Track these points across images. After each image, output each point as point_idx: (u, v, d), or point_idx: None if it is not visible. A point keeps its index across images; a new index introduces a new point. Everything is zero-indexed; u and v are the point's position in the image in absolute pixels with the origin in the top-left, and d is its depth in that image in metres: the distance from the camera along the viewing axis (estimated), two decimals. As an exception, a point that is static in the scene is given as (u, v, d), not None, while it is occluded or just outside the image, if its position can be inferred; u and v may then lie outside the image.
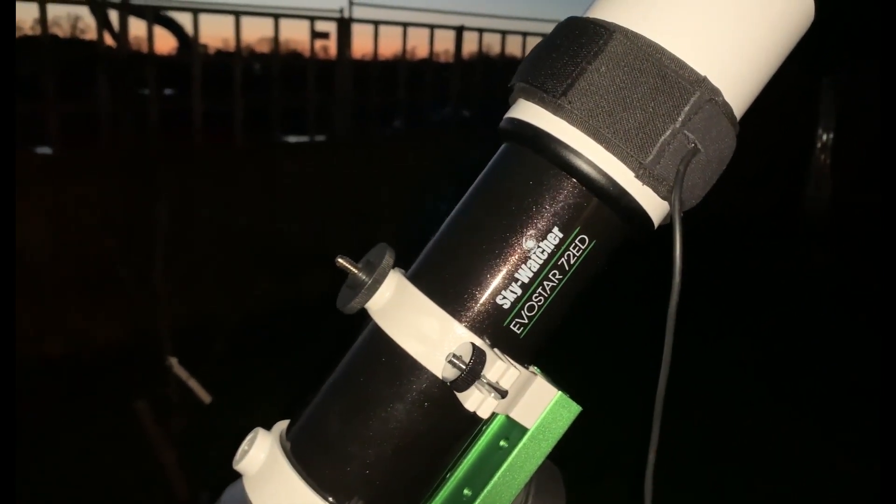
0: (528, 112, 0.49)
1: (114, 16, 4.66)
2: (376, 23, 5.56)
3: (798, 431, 3.36)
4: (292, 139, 5.79)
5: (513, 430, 0.56)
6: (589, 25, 0.48)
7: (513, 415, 0.52)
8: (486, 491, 0.55)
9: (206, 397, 2.77)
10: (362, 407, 0.49)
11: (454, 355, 0.46)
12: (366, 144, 5.74)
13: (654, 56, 0.45)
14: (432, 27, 5.87)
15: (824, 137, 6.30)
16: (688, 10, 0.47)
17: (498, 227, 0.48)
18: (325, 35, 5.58)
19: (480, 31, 6.24)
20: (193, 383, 2.74)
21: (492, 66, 6.59)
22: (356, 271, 0.50)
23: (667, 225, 0.52)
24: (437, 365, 0.47)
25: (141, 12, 4.76)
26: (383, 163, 5.32)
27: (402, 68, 5.87)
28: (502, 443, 0.56)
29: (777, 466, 3.08)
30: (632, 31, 0.46)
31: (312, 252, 4.73)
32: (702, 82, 0.45)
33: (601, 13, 0.49)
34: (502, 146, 0.52)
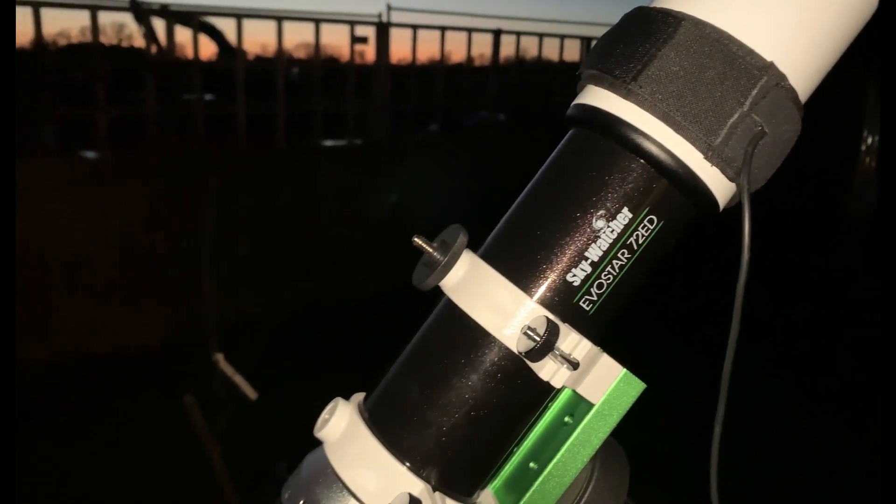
0: (597, 97, 0.51)
1: (158, 23, 4.79)
2: (414, 27, 5.61)
3: (820, 432, 3.31)
4: (331, 143, 5.86)
5: (578, 407, 0.58)
6: (657, 14, 0.50)
7: (580, 390, 0.54)
8: (552, 464, 0.56)
9: (251, 393, 2.83)
10: (439, 377, 0.52)
11: (529, 327, 0.48)
12: (403, 148, 5.79)
13: (722, 42, 0.47)
14: (469, 31, 5.91)
15: (869, 140, 6.18)
16: None
17: (569, 207, 0.50)
18: (363, 40, 5.66)
19: (518, 34, 6.26)
20: (239, 379, 2.79)
21: (528, 70, 6.60)
22: (431, 250, 0.53)
23: (731, 208, 0.53)
24: (511, 338, 0.49)
25: (184, 19, 4.87)
26: (420, 166, 5.37)
27: (440, 72, 5.92)
28: (567, 419, 0.58)
29: (805, 471, 3.04)
30: (699, 19, 0.48)
31: (352, 253, 4.81)
32: (768, 67, 0.47)
33: (668, 3, 0.51)
34: (570, 132, 0.54)
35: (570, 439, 0.56)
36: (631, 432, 0.59)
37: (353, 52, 5.45)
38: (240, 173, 4.54)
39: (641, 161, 0.49)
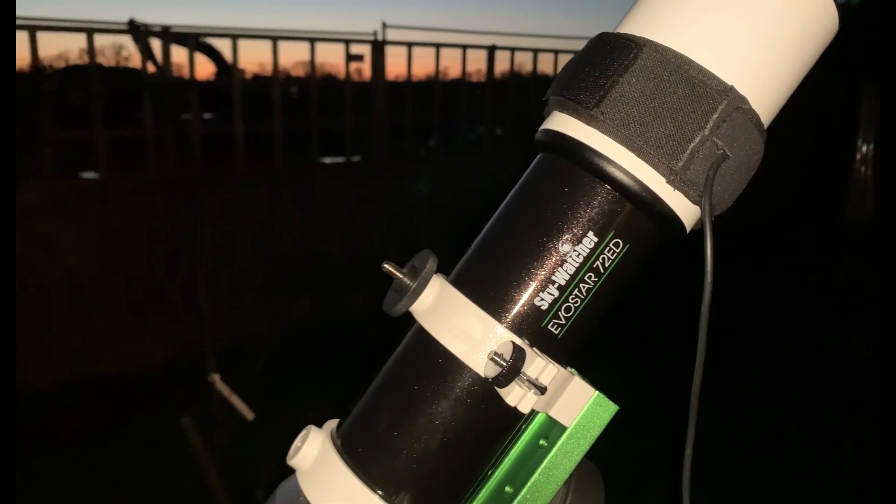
0: (562, 123, 0.52)
1: (156, 44, 4.82)
2: (409, 44, 5.64)
3: (818, 443, 3.29)
4: (330, 160, 5.88)
5: (552, 430, 0.58)
6: (620, 40, 0.50)
7: (552, 413, 0.54)
8: (526, 488, 0.57)
9: (248, 414, 2.82)
10: (409, 404, 0.52)
11: (496, 353, 0.48)
12: (402, 164, 5.81)
13: (683, 67, 0.48)
14: (464, 47, 5.94)
15: (864, 149, 6.19)
16: (714, 23, 0.49)
17: (535, 232, 0.51)
18: (359, 57, 5.69)
19: (512, 49, 6.29)
20: (236, 399, 2.79)
21: (524, 85, 6.62)
22: (401, 276, 0.53)
23: (699, 230, 0.54)
24: (479, 363, 0.50)
25: (182, 40, 4.91)
26: (416, 182, 5.38)
27: (436, 89, 5.94)
28: (542, 442, 0.59)
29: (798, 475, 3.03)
30: (661, 45, 0.49)
31: (351, 271, 4.81)
32: (729, 91, 0.48)
33: (631, 28, 0.52)
34: (538, 156, 0.55)
35: (543, 462, 0.56)
36: (621, 450, 0.59)
37: (348, 69, 5.48)
38: (239, 192, 4.56)
39: (606, 186, 0.50)
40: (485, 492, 0.59)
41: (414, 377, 0.53)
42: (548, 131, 0.53)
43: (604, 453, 0.58)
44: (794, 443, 3.28)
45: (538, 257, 0.50)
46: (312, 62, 5.16)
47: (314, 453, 0.54)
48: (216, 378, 2.79)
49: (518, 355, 0.47)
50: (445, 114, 6.07)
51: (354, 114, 5.53)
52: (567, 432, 0.56)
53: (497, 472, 0.59)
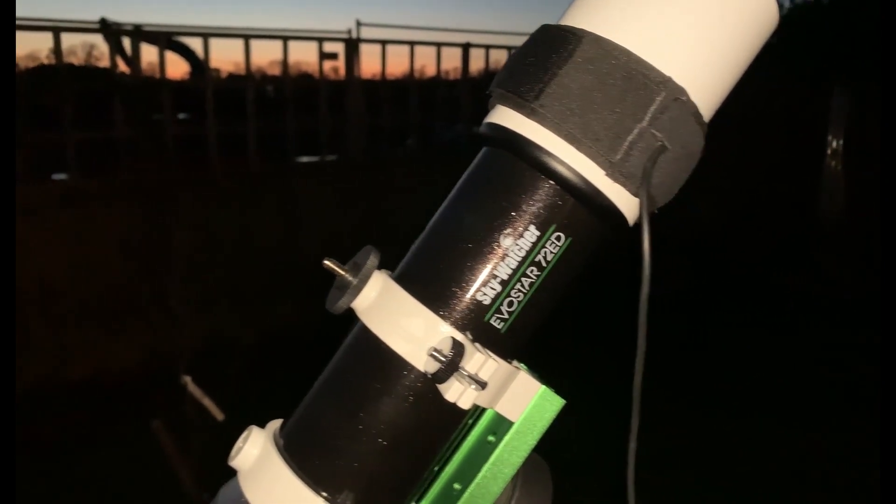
0: (504, 117, 0.51)
1: (127, 43, 4.76)
2: (384, 42, 5.63)
3: (795, 438, 3.32)
4: (305, 160, 5.85)
5: (500, 425, 0.57)
6: (559, 32, 0.50)
7: (498, 409, 0.54)
8: (473, 484, 0.56)
9: (219, 415, 2.80)
10: (351, 402, 0.51)
11: (435, 349, 0.48)
12: (378, 164, 5.79)
13: (621, 59, 0.48)
14: (439, 45, 5.93)
15: (834, 144, 6.27)
16: (653, 15, 0.49)
17: (477, 226, 0.50)
18: (333, 56, 5.66)
19: (487, 47, 6.29)
20: (207, 402, 2.77)
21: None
22: (343, 273, 0.52)
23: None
24: (421, 360, 0.49)
25: (153, 39, 4.85)
26: (396, 182, 5.36)
27: (412, 87, 5.93)
28: (490, 437, 0.58)
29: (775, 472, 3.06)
30: (600, 36, 0.49)
31: (328, 272, 4.77)
32: (667, 82, 0.47)
33: (571, 20, 0.51)
34: (482, 150, 0.55)
35: (490, 458, 0.56)
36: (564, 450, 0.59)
37: (322, 68, 5.45)
38: (213, 194, 4.52)
39: (547, 179, 0.49)
40: (434, 489, 0.59)
41: (356, 375, 0.52)
42: (490, 125, 0.53)
43: (556, 447, 0.57)
44: (778, 446, 3.29)
45: (480, 252, 0.50)
46: (285, 61, 5.13)
47: (255, 453, 0.53)
48: (188, 380, 2.76)
49: (457, 350, 0.47)
50: (422, 113, 6.06)
51: (330, 113, 5.50)
52: (514, 427, 0.56)
53: (447, 469, 0.59)
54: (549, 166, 0.49)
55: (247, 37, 4.90)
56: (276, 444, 0.53)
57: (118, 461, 2.88)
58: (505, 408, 0.54)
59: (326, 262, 0.53)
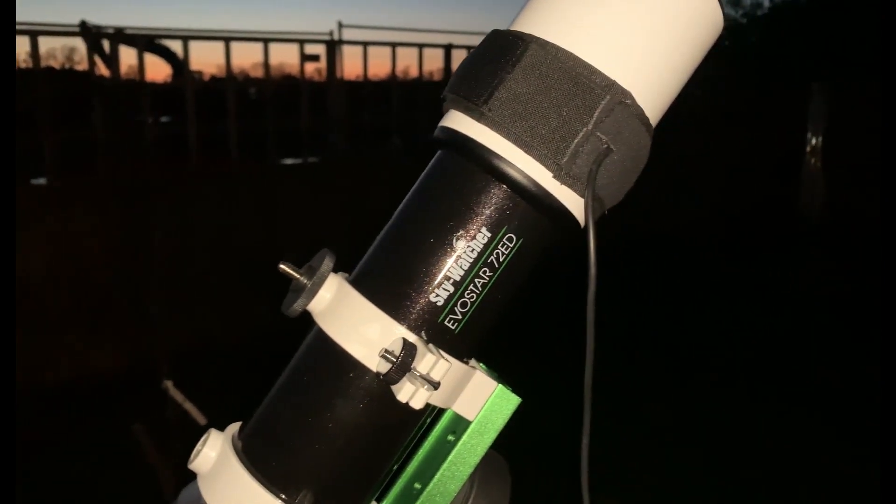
0: (456, 121, 0.52)
1: (107, 45, 4.73)
2: (365, 44, 5.63)
3: (791, 434, 3.35)
4: (287, 161, 5.84)
5: (459, 425, 0.58)
6: (508, 37, 0.51)
7: (455, 408, 0.55)
8: (431, 483, 0.57)
9: (201, 419, 2.79)
10: (307, 405, 0.52)
11: (386, 350, 0.48)
12: (361, 165, 5.78)
13: (567, 63, 0.48)
14: (421, 46, 5.94)
15: (814, 141, 6.33)
16: (598, 20, 0.50)
17: (430, 228, 0.51)
18: (315, 57, 5.65)
19: (469, 48, 6.30)
20: (189, 406, 2.76)
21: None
22: (298, 276, 0.53)
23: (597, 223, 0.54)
24: (374, 362, 0.50)
25: (133, 41, 4.83)
26: (378, 183, 5.35)
27: (393, 88, 5.94)
28: (450, 437, 0.59)
29: (772, 470, 3.08)
30: (547, 41, 0.49)
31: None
32: (611, 86, 0.48)
33: (520, 25, 0.52)
34: (436, 154, 0.55)
35: (448, 458, 0.57)
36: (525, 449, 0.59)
37: (303, 69, 5.45)
38: (194, 196, 4.50)
39: (497, 182, 0.50)
40: (395, 489, 0.59)
41: (312, 377, 0.52)
42: (443, 128, 0.53)
43: (509, 431, 0.58)
44: (764, 450, 3.30)
45: (433, 254, 0.50)
46: (266, 63, 5.12)
47: (213, 456, 0.53)
48: (169, 384, 2.75)
49: (408, 351, 0.47)
50: (404, 113, 6.06)
51: (311, 114, 5.50)
52: (471, 427, 0.56)
53: (407, 469, 0.59)
54: (499, 169, 0.49)
55: (227, 39, 4.89)
56: (235, 447, 0.53)
57: (99, 466, 2.86)
58: (462, 407, 0.55)
59: (282, 265, 0.53)
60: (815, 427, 3.39)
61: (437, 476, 0.56)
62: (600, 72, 0.49)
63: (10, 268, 0.78)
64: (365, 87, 5.85)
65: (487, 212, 0.50)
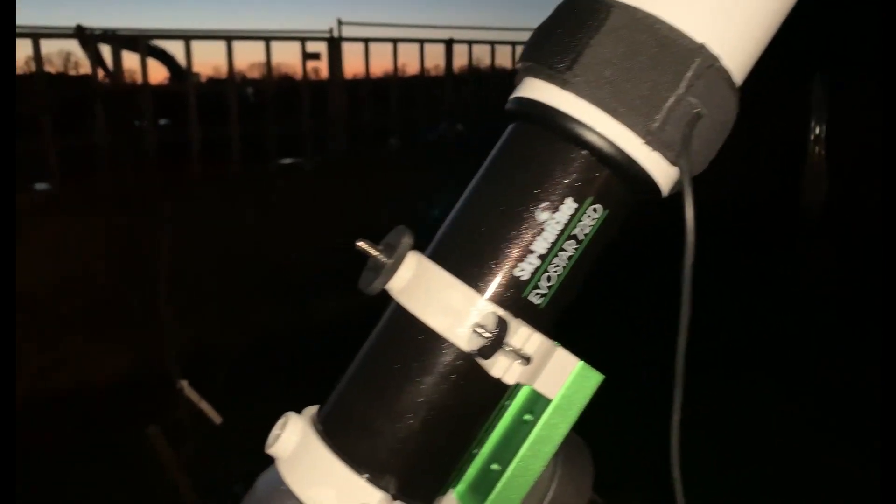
0: (534, 89, 0.51)
1: (107, 50, 4.71)
2: (366, 40, 5.62)
3: (792, 431, 3.34)
4: (289, 161, 5.83)
5: (536, 404, 0.57)
6: (588, 3, 0.50)
7: (536, 386, 0.53)
8: (514, 463, 0.56)
9: (216, 418, 2.78)
10: (391, 384, 0.51)
11: (478, 325, 0.47)
12: (362, 164, 5.78)
13: (654, 27, 0.47)
14: (422, 42, 5.93)
15: (817, 130, 6.33)
16: None
17: (512, 201, 0.50)
18: (316, 56, 5.64)
19: (470, 43, 6.30)
20: (204, 405, 2.74)
21: (483, 79, 6.64)
22: (377, 253, 0.52)
23: (675, 194, 0.53)
24: (461, 337, 0.49)
25: (132, 44, 4.81)
26: (380, 182, 5.35)
27: (395, 85, 5.92)
28: (526, 416, 0.58)
29: (774, 466, 3.08)
30: (629, 5, 0.48)
31: (315, 274, 4.77)
32: (700, 49, 0.47)
33: None
34: (510, 126, 0.54)
35: (530, 437, 0.55)
36: (594, 425, 0.58)
37: (305, 69, 5.44)
38: (197, 198, 4.48)
39: (582, 151, 0.49)
40: (472, 470, 0.58)
41: (395, 356, 0.51)
42: (519, 99, 0.52)
43: (588, 424, 0.57)
44: (763, 447, 3.29)
45: (516, 227, 0.49)
46: (268, 62, 5.11)
47: (295, 440, 0.52)
48: (184, 384, 2.74)
49: (502, 326, 0.46)
50: (405, 112, 6.05)
51: (313, 114, 5.49)
52: (552, 404, 0.55)
53: (482, 451, 0.58)
54: (585, 137, 0.48)
55: (229, 38, 4.87)
56: (316, 429, 0.52)
57: (113, 470, 2.84)
58: (543, 385, 0.53)
59: (360, 242, 0.52)
60: (816, 424, 3.37)
61: (521, 455, 0.55)
62: (687, 35, 0.47)
63: (11, 271, 0.77)
64: (366, 85, 5.83)
65: (572, 182, 0.49)
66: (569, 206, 0.49)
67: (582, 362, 0.55)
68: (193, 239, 4.11)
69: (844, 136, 6.07)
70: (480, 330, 0.47)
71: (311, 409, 0.56)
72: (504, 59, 6.85)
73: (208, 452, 2.64)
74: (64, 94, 4.98)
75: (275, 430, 0.53)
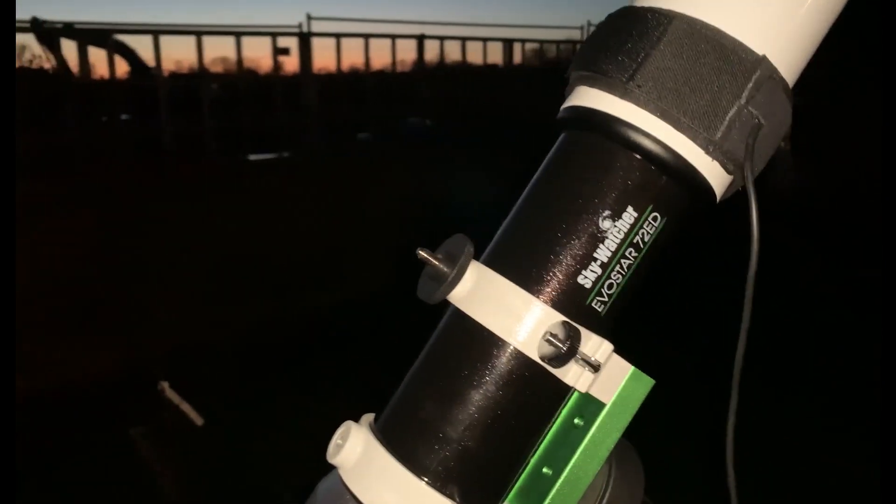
0: (592, 98, 0.51)
1: (70, 44, 4.60)
2: (337, 35, 5.57)
3: (792, 431, 3.35)
4: (262, 157, 5.77)
5: (587, 408, 0.57)
6: (646, 13, 0.50)
7: (592, 391, 0.54)
8: (569, 467, 0.56)
9: (198, 420, 2.75)
10: (454, 390, 0.51)
11: (550, 333, 0.47)
12: (336, 158, 5.74)
13: (714, 38, 0.48)
14: (393, 37, 5.91)
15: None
16: None
17: (573, 209, 0.50)
18: (286, 51, 5.59)
19: (441, 38, 6.29)
20: (186, 406, 2.71)
21: (453, 74, 6.64)
22: (437, 262, 0.52)
23: (725, 200, 0.54)
24: (529, 345, 0.49)
25: (99, 39, 4.70)
26: (353, 176, 5.33)
27: (366, 80, 5.89)
28: (577, 420, 0.58)
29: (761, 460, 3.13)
30: (689, 16, 0.49)
31: (295, 268, 4.73)
32: (761, 61, 0.48)
33: (655, 1, 0.51)
34: (563, 135, 0.54)
35: (584, 440, 0.56)
36: (642, 430, 0.59)
37: (276, 63, 5.38)
38: (171, 195, 4.41)
39: (644, 160, 0.49)
40: (523, 476, 0.59)
41: (459, 364, 0.51)
42: (576, 108, 0.52)
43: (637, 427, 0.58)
44: (760, 446, 3.27)
45: (578, 235, 0.50)
46: (239, 57, 5.04)
47: (359, 449, 0.52)
48: (165, 386, 2.70)
49: (575, 335, 0.47)
50: (377, 105, 6.03)
51: (284, 109, 5.43)
52: (606, 409, 0.56)
53: (533, 455, 0.59)
54: (646, 146, 0.49)
55: (199, 33, 4.80)
56: (377, 438, 0.52)
57: (96, 473, 2.79)
58: (599, 389, 0.54)
59: (420, 251, 0.52)
60: (816, 425, 3.37)
61: (575, 459, 0.56)
62: (747, 46, 0.48)
63: (11, 272, 0.75)
64: (336, 80, 5.79)
65: (633, 190, 0.49)
66: (630, 214, 0.50)
67: (634, 368, 0.56)
68: (170, 237, 4.05)
69: (809, 127, 6.21)
70: (552, 339, 0.47)
71: (369, 417, 0.55)
72: (476, 54, 6.85)
73: (191, 453, 2.61)
74: (27, 88, 4.85)
75: (335, 440, 0.53)
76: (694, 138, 0.48)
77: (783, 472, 3.00)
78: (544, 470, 0.59)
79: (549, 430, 0.59)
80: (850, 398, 3.50)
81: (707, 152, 0.48)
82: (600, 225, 0.49)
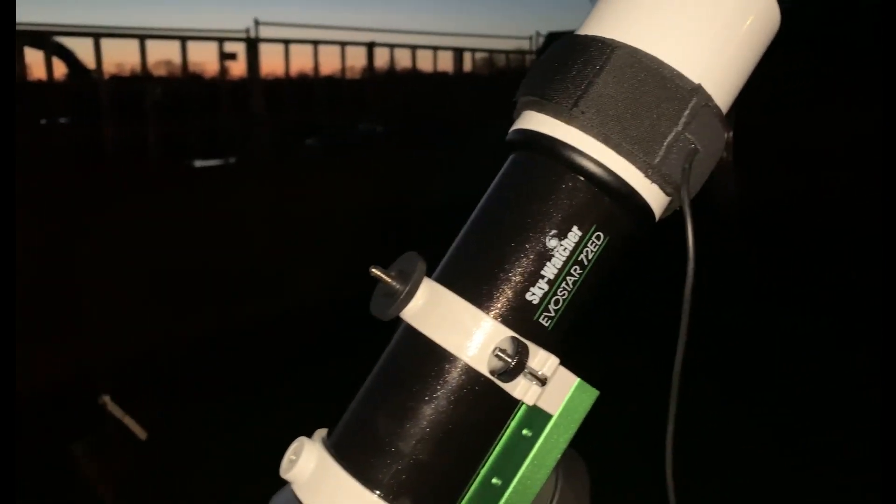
0: (539, 122, 0.53)
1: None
2: (286, 41, 5.54)
3: (791, 431, 3.31)
4: (208, 163, 5.68)
5: (535, 419, 0.59)
6: (591, 42, 0.53)
7: (539, 403, 0.56)
8: (517, 478, 0.58)
9: (141, 434, 2.69)
10: (406, 405, 0.52)
11: (499, 348, 0.49)
12: (283, 164, 5.69)
13: (654, 68, 0.51)
14: (343, 44, 5.89)
15: (725, 136, 6.65)
16: (678, 25, 0.53)
17: (522, 228, 0.52)
18: (232, 56, 5.52)
19: (391, 46, 6.31)
20: (129, 420, 2.65)
21: (403, 81, 6.66)
22: (390, 280, 0.53)
23: (664, 219, 0.57)
24: (479, 360, 0.51)
25: (37, 41, 4.58)
26: (302, 181, 5.29)
27: (315, 85, 5.87)
28: (525, 432, 0.60)
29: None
30: (632, 46, 0.51)
31: (241, 277, 4.66)
32: (697, 90, 0.51)
33: (597, 30, 0.54)
34: (512, 156, 0.56)
35: (532, 451, 0.58)
36: (589, 440, 0.61)
37: (223, 68, 5.31)
38: (112, 201, 4.31)
39: (588, 182, 0.52)
40: (473, 486, 0.60)
41: (411, 379, 0.53)
42: (524, 131, 0.54)
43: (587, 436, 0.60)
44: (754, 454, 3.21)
45: (526, 253, 0.52)
46: (184, 61, 4.96)
47: (312, 465, 0.52)
48: (107, 399, 2.63)
49: (523, 350, 0.49)
50: (326, 111, 6.00)
51: (230, 114, 5.36)
52: (553, 420, 0.58)
53: (483, 466, 0.60)
54: (590, 169, 0.51)
55: (143, 37, 4.71)
56: (330, 453, 0.53)
57: (33, 490, 2.70)
58: (546, 401, 0.56)
59: (373, 269, 0.53)
60: (816, 424, 3.37)
61: (524, 469, 0.57)
62: (684, 75, 0.51)
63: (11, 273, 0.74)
64: (285, 86, 5.75)
65: (578, 211, 0.52)
66: (575, 233, 0.52)
67: (579, 379, 0.58)
68: (112, 245, 3.94)
69: (750, 139, 6.41)
70: (501, 354, 0.49)
71: (322, 432, 0.56)
72: (426, 62, 6.88)
73: (135, 469, 2.55)
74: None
75: (288, 455, 0.54)
76: (634, 162, 0.51)
77: (742, 483, 3.02)
78: (494, 480, 0.60)
79: (498, 442, 0.61)
80: (808, 402, 3.58)
81: (646, 175, 0.51)
82: (547, 244, 0.52)
